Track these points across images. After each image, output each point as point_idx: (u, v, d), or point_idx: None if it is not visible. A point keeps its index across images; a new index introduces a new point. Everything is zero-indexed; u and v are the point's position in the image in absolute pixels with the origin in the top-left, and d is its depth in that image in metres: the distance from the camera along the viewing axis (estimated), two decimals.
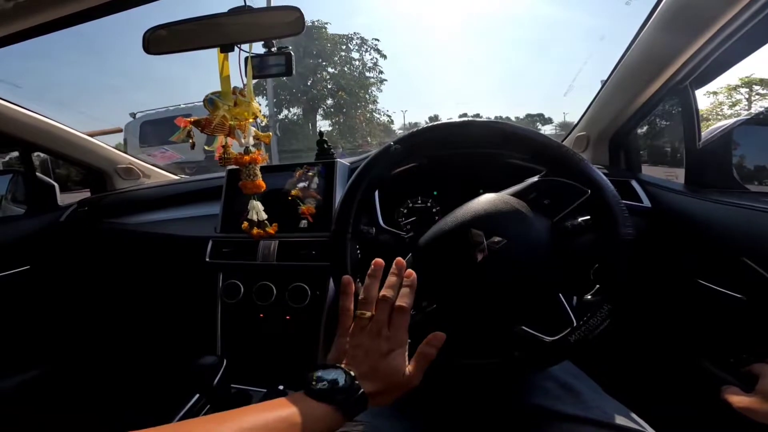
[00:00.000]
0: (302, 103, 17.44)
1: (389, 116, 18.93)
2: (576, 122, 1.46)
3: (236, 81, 0.88)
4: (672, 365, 1.11)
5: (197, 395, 1.10)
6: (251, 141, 0.91)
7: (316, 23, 16.70)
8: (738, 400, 0.62)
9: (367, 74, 17.82)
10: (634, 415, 0.68)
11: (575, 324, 0.64)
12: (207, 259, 1.22)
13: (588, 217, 0.70)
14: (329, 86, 17.28)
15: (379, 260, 0.63)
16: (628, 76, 1.12)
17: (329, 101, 17.49)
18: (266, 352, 1.16)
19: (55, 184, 1.66)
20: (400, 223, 1.16)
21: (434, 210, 1.16)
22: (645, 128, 1.32)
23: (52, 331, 1.57)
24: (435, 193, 1.17)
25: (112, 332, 1.68)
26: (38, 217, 1.58)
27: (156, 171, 1.78)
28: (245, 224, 1.01)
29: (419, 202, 1.17)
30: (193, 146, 0.89)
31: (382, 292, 0.60)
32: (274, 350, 1.15)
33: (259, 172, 0.95)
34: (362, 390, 0.53)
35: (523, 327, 0.67)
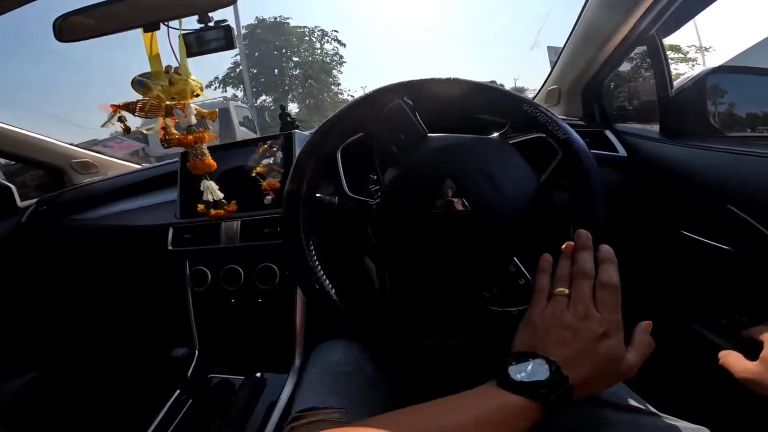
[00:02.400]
0: (273, 92, 19.36)
1: (352, 96, 20.02)
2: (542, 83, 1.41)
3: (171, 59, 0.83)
4: (662, 330, 1.08)
5: (178, 391, 1.07)
6: (193, 120, 0.86)
7: (278, 19, 18.97)
8: (741, 369, 0.54)
9: (329, 61, 19.95)
10: (629, 391, 0.64)
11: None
12: (169, 247, 1.17)
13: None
14: (297, 74, 19.55)
15: (570, 243, 0.56)
16: (595, 25, 1.07)
17: (300, 90, 19.59)
18: (242, 338, 1.12)
19: (12, 186, 1.58)
20: (371, 190, 1.12)
21: None
22: (615, 82, 1.28)
23: (24, 334, 1.52)
24: None
25: (84, 332, 1.63)
26: None
27: (115, 162, 1.72)
28: (201, 206, 0.96)
29: None
30: (127, 131, 0.84)
31: (579, 266, 0.53)
32: (249, 336, 1.12)
33: (206, 151, 0.91)
34: (569, 380, 0.46)
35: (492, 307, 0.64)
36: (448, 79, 0.69)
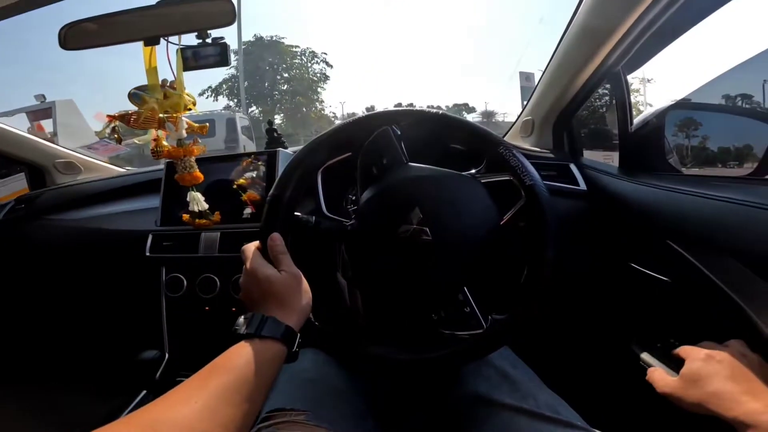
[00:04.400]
0: (263, 104, 21.89)
1: (333, 112, 23.80)
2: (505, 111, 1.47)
3: (167, 74, 0.87)
4: (606, 351, 1.14)
5: (144, 391, 1.09)
6: (183, 134, 0.89)
7: (274, 38, 21.50)
8: (662, 384, 0.59)
9: (316, 80, 22.48)
10: (566, 407, 0.69)
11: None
12: (147, 254, 1.19)
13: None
14: (286, 89, 21.95)
15: None
16: (566, 59, 1.13)
17: (288, 105, 21.96)
18: (214, 345, 1.13)
19: None
20: (349, 210, 1.16)
21: None
22: (586, 113, 1.35)
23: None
24: None
25: (54, 334, 1.62)
26: None
27: (98, 164, 1.72)
28: (186, 216, 0.99)
29: None
30: (119, 141, 0.86)
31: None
32: (221, 343, 1.13)
33: (195, 164, 0.94)
34: None
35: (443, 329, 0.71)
36: (436, 113, 0.74)
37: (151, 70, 0.83)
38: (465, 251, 0.69)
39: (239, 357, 0.52)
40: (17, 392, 1.49)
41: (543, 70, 1.27)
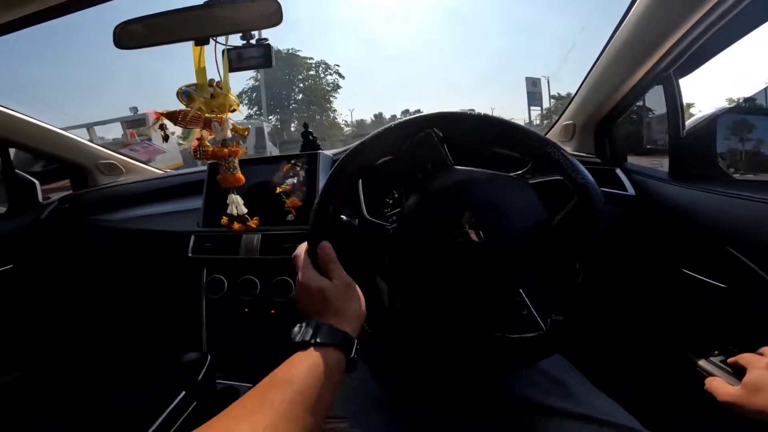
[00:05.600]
0: (281, 113, 23.96)
1: (346, 121, 26.50)
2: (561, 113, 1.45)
3: (214, 74, 0.88)
4: (659, 358, 1.11)
5: (183, 392, 1.09)
6: (228, 134, 0.90)
7: (290, 50, 23.73)
8: (723, 393, 0.57)
9: (329, 89, 24.67)
10: (622, 411, 0.67)
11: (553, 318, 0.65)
12: (189, 254, 1.20)
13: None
14: (301, 98, 24.04)
15: None
16: (613, 63, 1.10)
17: (304, 114, 23.26)
18: (252, 347, 1.15)
19: (36, 181, 1.61)
20: (386, 214, 1.15)
21: None
22: (632, 117, 1.32)
23: (37, 331, 1.54)
24: None
25: (96, 331, 1.64)
26: (19, 215, 1.54)
27: (139, 166, 1.75)
28: (224, 219, 1.00)
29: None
30: (166, 139, 0.87)
31: None
32: (259, 345, 1.13)
33: (238, 166, 0.94)
34: None
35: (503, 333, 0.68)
36: (479, 115, 0.72)
37: (201, 70, 0.84)
38: (519, 253, 0.67)
39: (298, 367, 0.50)
40: (58, 389, 1.52)
41: (587, 73, 1.24)
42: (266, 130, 12.69)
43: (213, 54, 0.86)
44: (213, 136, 0.92)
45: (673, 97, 1.04)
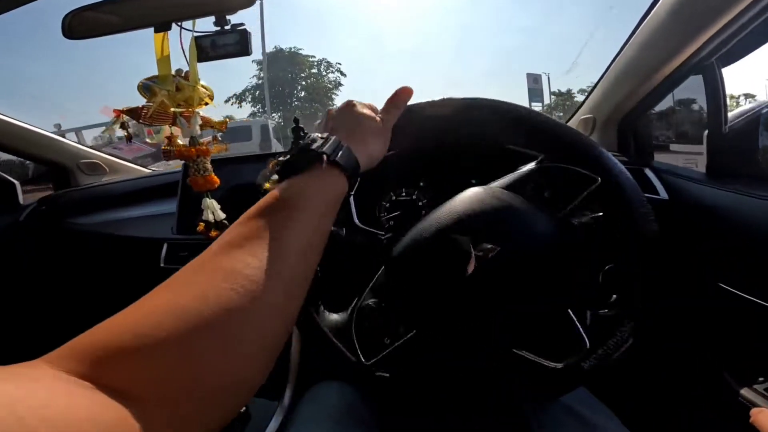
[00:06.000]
0: (284, 110, 23.50)
1: None
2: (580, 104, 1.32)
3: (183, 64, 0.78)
4: (693, 383, 0.98)
5: None
6: (197, 130, 0.78)
7: (293, 49, 23.90)
8: None
9: (331, 87, 24.49)
10: None
11: (588, 346, 0.52)
12: (162, 264, 1.09)
13: (599, 213, 0.57)
14: (303, 96, 23.82)
15: None
16: (643, 52, 0.97)
17: (306, 112, 22.79)
18: None
19: (16, 182, 1.52)
20: (382, 219, 1.01)
21: (421, 203, 1.00)
22: (662, 111, 1.18)
23: (11, 334, 1.45)
24: (421, 184, 1.01)
25: (64, 339, 1.55)
26: None
27: (123, 165, 1.65)
28: (201, 225, 0.88)
29: (404, 194, 1.00)
30: (129, 139, 0.76)
31: None
32: None
33: (209, 166, 0.83)
34: None
35: (525, 352, 0.55)
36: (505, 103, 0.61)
37: (163, 60, 0.74)
38: (531, 258, 0.55)
39: (314, 190, 0.47)
40: None
41: (608, 65, 1.11)
42: (271, 126, 12.99)
43: (179, 42, 0.75)
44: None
45: (715, 88, 0.92)
